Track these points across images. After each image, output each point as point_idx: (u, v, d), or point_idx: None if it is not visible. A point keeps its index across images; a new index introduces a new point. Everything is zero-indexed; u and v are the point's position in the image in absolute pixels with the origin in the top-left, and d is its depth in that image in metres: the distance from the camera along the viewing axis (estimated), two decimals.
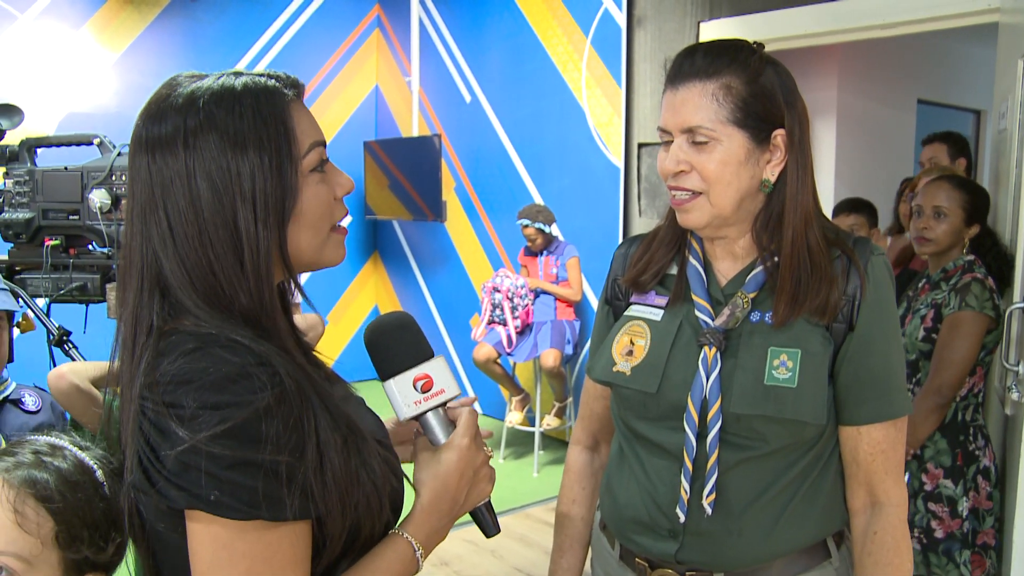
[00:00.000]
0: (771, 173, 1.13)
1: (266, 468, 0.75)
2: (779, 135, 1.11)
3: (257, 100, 0.83)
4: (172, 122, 0.82)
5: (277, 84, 0.86)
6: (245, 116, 0.82)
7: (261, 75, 0.87)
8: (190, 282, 0.81)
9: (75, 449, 0.97)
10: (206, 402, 0.74)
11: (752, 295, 1.14)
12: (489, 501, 0.98)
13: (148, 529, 0.84)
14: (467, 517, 0.98)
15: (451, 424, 0.95)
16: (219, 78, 0.85)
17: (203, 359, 0.76)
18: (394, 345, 0.94)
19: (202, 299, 0.81)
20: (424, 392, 0.92)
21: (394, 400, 0.93)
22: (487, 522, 0.98)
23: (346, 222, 0.94)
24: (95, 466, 0.96)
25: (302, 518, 0.78)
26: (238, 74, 0.86)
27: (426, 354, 0.94)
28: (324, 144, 0.89)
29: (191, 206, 0.81)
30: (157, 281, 0.83)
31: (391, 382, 0.93)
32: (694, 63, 1.10)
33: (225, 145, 0.81)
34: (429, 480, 0.91)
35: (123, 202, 1.85)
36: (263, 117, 0.83)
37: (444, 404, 0.94)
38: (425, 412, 0.93)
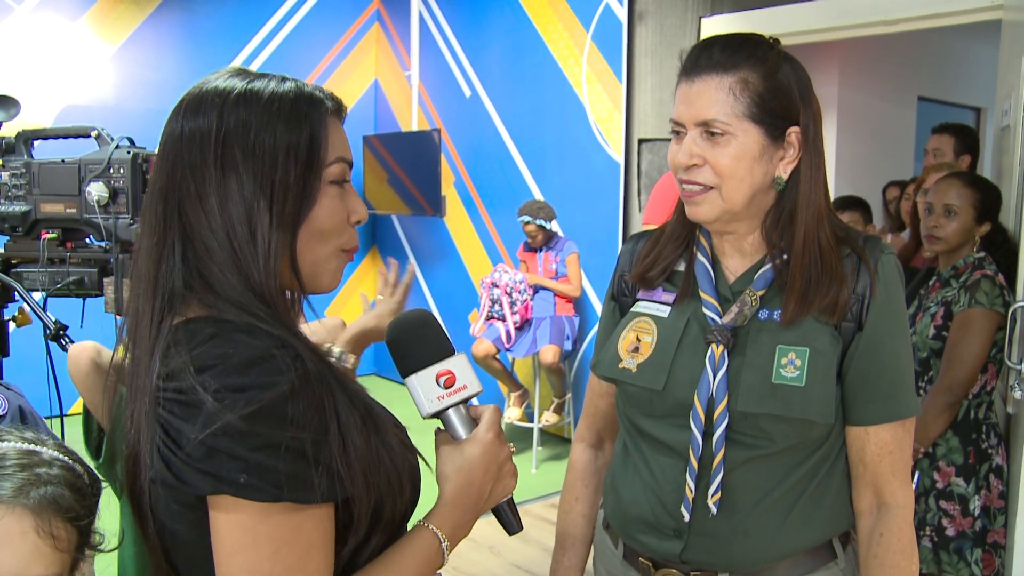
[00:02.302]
0: (784, 170, 1.12)
1: (293, 449, 0.75)
2: (794, 133, 1.10)
3: (298, 99, 0.85)
4: (212, 100, 0.83)
5: (320, 95, 0.88)
6: (283, 109, 0.84)
7: (308, 85, 0.89)
8: (216, 244, 0.82)
9: (42, 448, 0.92)
10: (230, 385, 0.74)
11: (760, 293, 1.13)
12: (512, 498, 0.97)
13: (165, 524, 0.82)
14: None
15: (472, 421, 0.95)
16: (270, 80, 0.87)
17: (223, 345, 0.76)
18: (416, 341, 0.94)
19: (225, 266, 0.82)
20: (447, 388, 0.92)
21: (416, 395, 0.92)
22: (510, 519, 0.97)
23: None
24: (66, 457, 0.93)
25: (329, 500, 0.78)
26: (284, 79, 0.88)
27: (448, 350, 0.94)
28: (350, 164, 0.89)
29: (219, 180, 0.82)
30: (180, 235, 0.83)
31: (413, 377, 0.92)
32: (711, 56, 1.09)
33: (259, 128, 0.82)
34: (453, 474, 0.91)
35: (152, 161, 1.78)
36: (298, 115, 0.84)
37: (466, 400, 0.94)
38: (447, 408, 0.93)
